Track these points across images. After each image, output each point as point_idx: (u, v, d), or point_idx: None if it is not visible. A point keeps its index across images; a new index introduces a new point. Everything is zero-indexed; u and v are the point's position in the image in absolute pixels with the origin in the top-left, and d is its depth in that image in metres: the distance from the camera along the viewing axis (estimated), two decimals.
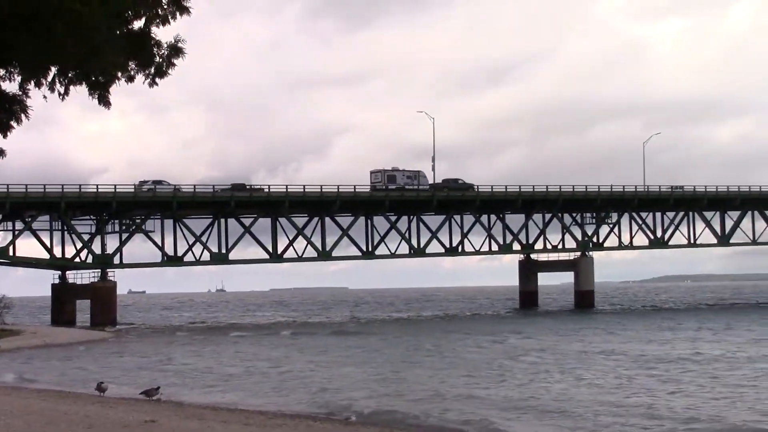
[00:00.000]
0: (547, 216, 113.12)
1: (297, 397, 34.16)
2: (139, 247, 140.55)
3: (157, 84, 13.21)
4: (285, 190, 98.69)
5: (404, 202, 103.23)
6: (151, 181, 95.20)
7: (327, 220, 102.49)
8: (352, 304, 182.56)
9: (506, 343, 59.00)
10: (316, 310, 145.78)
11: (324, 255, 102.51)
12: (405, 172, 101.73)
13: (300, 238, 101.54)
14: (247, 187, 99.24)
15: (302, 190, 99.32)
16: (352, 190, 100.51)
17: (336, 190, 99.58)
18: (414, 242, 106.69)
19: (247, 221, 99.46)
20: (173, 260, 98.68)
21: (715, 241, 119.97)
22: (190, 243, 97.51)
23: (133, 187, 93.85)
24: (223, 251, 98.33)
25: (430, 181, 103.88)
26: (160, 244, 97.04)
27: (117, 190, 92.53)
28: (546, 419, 27.88)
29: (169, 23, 12.98)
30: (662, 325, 77.28)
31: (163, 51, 13.20)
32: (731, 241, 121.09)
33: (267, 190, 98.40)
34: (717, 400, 31.35)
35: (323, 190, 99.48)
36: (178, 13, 12.95)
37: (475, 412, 29.05)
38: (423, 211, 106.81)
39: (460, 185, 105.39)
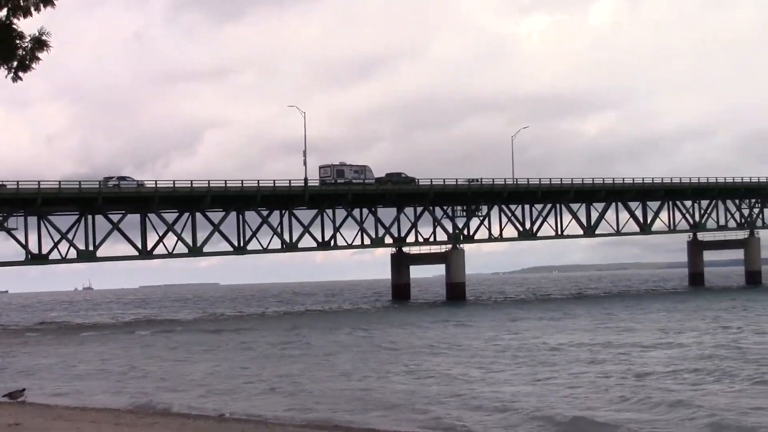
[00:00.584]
0: (419, 209, 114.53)
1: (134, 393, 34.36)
2: (1, 246, 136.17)
3: (21, 78, 12.73)
4: (154, 185, 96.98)
5: (277, 197, 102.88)
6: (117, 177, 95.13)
7: (198, 215, 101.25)
8: (221, 300, 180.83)
9: (354, 335, 60.30)
10: (176, 307, 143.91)
11: (195, 251, 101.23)
12: (353, 167, 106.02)
13: (170, 234, 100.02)
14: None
15: (172, 185, 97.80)
16: (223, 185, 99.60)
17: (207, 185, 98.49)
18: (286, 237, 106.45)
19: (115, 217, 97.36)
20: (37, 258, 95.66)
21: (581, 232, 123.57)
22: (56, 240, 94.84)
23: None
24: (91, 248, 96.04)
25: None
26: (23, 242, 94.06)
27: None
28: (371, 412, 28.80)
29: (32, 15, 12.52)
30: (516, 315, 79.38)
31: (26, 44, 12.72)
32: (596, 231, 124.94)
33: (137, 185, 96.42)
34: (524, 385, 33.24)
35: (193, 185, 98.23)
36: (41, 4, 12.51)
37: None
38: (296, 205, 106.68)
39: (404, 179, 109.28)
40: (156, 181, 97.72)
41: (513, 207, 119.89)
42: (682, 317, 68.17)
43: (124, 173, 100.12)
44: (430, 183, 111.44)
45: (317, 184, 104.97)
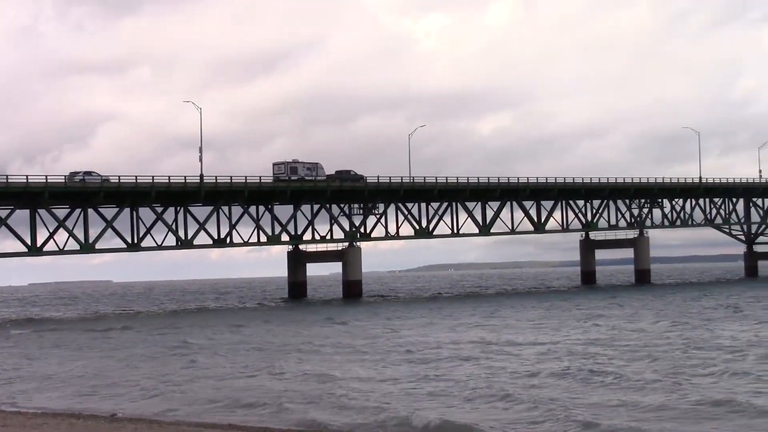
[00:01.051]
0: (316, 207, 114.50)
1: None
2: None
3: None
4: (44, 180, 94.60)
5: (172, 193, 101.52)
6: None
7: (90, 211, 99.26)
8: (111, 298, 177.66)
9: (236, 334, 60.33)
10: (61, 305, 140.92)
11: (86, 248, 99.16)
12: (305, 164, 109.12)
13: (61, 230, 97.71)
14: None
15: (63, 180, 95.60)
16: (117, 180, 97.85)
17: (99, 180, 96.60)
18: (181, 234, 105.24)
19: (3, 213, 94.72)
20: None
21: (476, 230, 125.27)
22: None
23: None
24: None
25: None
26: None
27: None
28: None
29: None
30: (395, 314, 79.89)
31: None
32: (492, 230, 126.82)
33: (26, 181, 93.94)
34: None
35: (86, 180, 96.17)
36: None
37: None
38: (192, 202, 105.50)
39: (353, 176, 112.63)
40: (46, 176, 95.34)
41: (410, 205, 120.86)
42: (561, 315, 69.79)
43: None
44: (258, 181, 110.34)
45: (271, 181, 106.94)
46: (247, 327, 67.21)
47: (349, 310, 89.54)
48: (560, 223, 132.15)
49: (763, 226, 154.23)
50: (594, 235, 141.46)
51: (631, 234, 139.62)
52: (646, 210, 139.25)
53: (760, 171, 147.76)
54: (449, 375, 35.52)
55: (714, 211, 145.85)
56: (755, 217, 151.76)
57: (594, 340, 47.90)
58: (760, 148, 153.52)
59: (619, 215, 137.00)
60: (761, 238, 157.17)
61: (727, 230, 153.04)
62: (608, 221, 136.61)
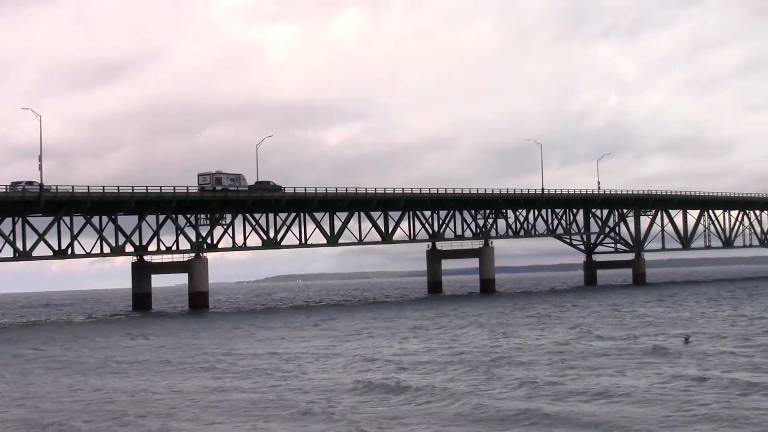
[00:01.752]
0: (161, 217, 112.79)
1: None
2: None
3: None
4: None
5: (9, 203, 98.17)
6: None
7: None
8: None
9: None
10: None
11: None
12: (229, 175, 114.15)
13: None
14: None
15: None
16: None
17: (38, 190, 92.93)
18: (19, 245, 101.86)
19: None
20: None
21: (324, 240, 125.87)
22: None
23: None
24: None
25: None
26: None
27: None
28: None
29: None
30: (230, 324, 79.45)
31: None
32: (340, 240, 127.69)
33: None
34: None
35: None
36: None
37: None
38: (30, 213, 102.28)
39: (272, 186, 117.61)
40: None
41: (257, 216, 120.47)
42: (384, 325, 69.92)
43: None
44: (173, 190, 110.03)
45: (196, 191, 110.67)
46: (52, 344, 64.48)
47: (193, 322, 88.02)
48: (407, 233, 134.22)
49: (601, 236, 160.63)
50: (440, 246, 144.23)
51: (477, 244, 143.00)
52: (490, 221, 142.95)
53: (598, 183, 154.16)
54: (241, 387, 35.61)
55: (555, 222, 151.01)
56: (594, 227, 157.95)
57: (401, 351, 48.21)
58: (599, 160, 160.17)
59: (465, 226, 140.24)
60: (599, 248, 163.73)
61: (568, 240, 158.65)
62: (454, 231, 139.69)
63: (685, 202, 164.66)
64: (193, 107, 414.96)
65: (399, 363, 41.88)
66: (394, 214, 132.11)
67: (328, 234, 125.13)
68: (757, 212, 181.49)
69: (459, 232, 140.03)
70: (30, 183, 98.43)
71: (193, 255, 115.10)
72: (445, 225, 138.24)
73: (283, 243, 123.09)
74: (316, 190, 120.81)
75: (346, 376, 37.58)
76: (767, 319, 60.58)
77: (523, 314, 78.97)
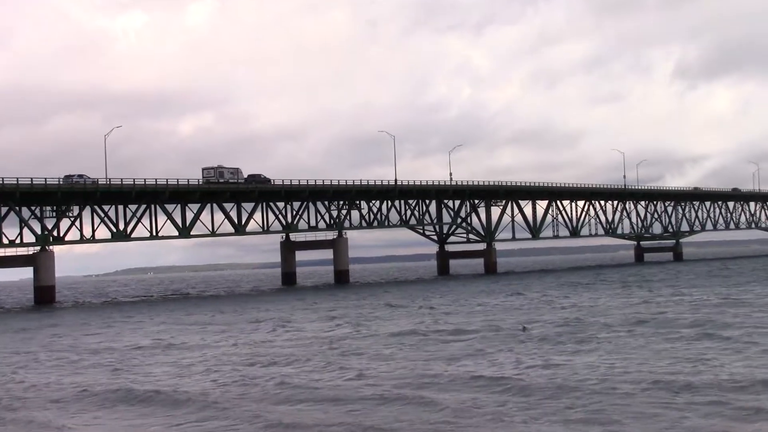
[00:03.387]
0: (4, 209, 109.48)
1: None
2: None
3: None
4: None
5: None
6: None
7: None
8: None
9: None
10: None
11: None
12: (229, 169, 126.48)
13: None
14: None
15: None
16: None
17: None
18: None
19: None
20: None
21: (176, 233, 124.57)
22: None
23: None
24: None
25: None
26: None
27: None
28: None
29: None
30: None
31: None
32: (192, 232, 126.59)
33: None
34: None
35: None
36: None
37: None
38: None
39: (263, 179, 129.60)
40: None
41: (106, 207, 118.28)
42: (224, 320, 68.38)
43: None
44: (16, 182, 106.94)
45: (202, 183, 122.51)
46: None
47: (39, 317, 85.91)
48: (261, 224, 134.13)
49: (454, 227, 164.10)
50: (294, 237, 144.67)
51: (331, 235, 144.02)
52: (344, 212, 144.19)
53: (450, 174, 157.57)
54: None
55: (409, 213, 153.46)
56: (446, 217, 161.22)
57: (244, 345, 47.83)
58: (451, 152, 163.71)
59: (319, 217, 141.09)
60: (452, 238, 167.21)
61: (421, 231, 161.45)
62: (308, 223, 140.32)
63: (534, 193, 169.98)
64: (37, 96, 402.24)
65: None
66: (247, 205, 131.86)
67: (180, 226, 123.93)
68: (602, 202, 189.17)
69: (313, 223, 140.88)
70: (81, 176, 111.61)
71: (38, 248, 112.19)
72: (299, 216, 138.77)
73: (133, 235, 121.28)
74: (167, 181, 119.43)
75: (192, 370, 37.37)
76: (599, 307, 63.32)
77: (374, 302, 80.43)
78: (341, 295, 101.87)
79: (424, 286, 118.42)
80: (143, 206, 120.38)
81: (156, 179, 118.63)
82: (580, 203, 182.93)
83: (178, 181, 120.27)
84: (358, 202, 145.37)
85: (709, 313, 52.69)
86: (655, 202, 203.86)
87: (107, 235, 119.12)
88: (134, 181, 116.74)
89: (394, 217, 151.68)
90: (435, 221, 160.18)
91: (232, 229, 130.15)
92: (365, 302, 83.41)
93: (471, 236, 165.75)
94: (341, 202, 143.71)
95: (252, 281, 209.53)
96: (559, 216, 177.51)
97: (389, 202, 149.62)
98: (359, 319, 61.33)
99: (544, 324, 50.02)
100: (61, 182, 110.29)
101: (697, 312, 53.57)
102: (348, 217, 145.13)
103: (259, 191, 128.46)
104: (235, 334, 54.00)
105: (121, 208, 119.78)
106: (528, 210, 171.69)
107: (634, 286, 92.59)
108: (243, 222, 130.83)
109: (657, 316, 52.10)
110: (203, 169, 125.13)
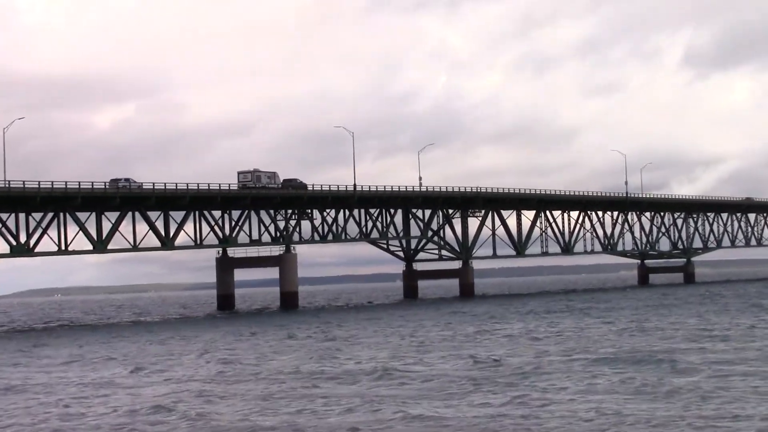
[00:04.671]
0: None
1: None
2: None
3: None
4: None
5: None
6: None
7: None
8: None
9: None
10: None
11: None
12: (266, 173, 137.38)
13: None
14: None
15: None
16: None
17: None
18: None
19: None
20: None
21: (90, 246, 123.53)
22: None
23: None
24: None
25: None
26: None
27: None
28: None
29: None
30: None
31: None
32: (109, 246, 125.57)
33: None
34: None
35: None
36: None
37: None
38: None
39: (298, 184, 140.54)
40: None
41: (4, 216, 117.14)
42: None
43: None
44: None
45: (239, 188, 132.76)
46: None
47: None
48: (193, 238, 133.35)
49: (424, 241, 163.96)
50: (233, 252, 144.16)
51: (277, 250, 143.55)
52: (293, 222, 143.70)
53: (420, 178, 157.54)
54: None
55: (371, 224, 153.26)
56: (415, 230, 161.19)
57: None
58: (421, 152, 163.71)
59: (263, 228, 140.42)
60: (421, 255, 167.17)
61: (385, 245, 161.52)
62: (250, 236, 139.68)
63: (519, 201, 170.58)
64: None
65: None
66: (177, 215, 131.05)
67: (95, 238, 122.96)
68: (600, 213, 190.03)
69: (255, 236, 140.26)
70: (128, 180, 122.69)
71: None
72: (239, 227, 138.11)
73: (37, 249, 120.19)
74: (80, 184, 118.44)
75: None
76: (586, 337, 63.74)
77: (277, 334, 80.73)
78: (272, 323, 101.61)
79: (384, 312, 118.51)
80: (50, 214, 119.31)
81: (66, 182, 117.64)
82: (574, 214, 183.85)
83: (93, 185, 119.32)
84: (310, 210, 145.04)
85: None
86: (662, 214, 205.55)
87: (5, 249, 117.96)
88: (39, 184, 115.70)
89: (352, 229, 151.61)
90: (401, 234, 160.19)
91: (158, 243, 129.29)
92: (269, 336, 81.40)
93: (444, 253, 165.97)
94: (290, 211, 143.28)
95: (179, 305, 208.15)
96: (549, 229, 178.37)
97: (347, 211, 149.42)
98: (243, 356, 60.46)
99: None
100: None
101: None
102: (298, 229, 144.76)
103: (191, 197, 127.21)
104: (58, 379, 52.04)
105: (22, 216, 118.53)
106: (512, 222, 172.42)
107: (655, 314, 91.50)
108: (171, 234, 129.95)
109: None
110: (239, 173, 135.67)
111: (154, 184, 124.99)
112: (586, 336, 65.92)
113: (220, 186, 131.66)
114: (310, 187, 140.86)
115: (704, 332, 65.05)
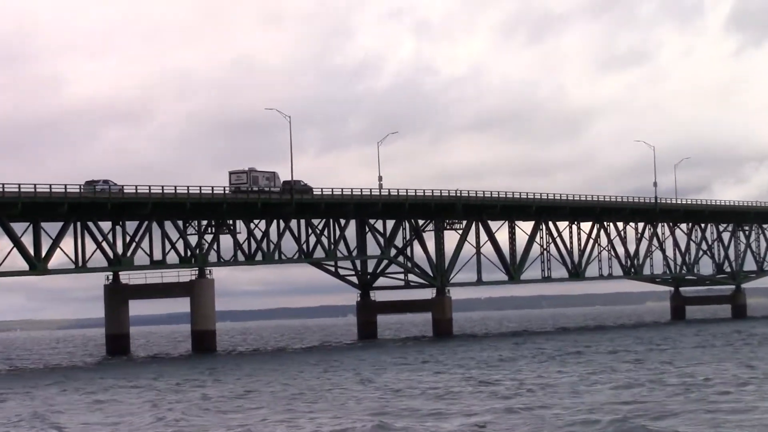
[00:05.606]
0: None
1: None
2: None
3: None
4: None
5: None
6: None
7: None
8: None
9: None
10: None
11: None
12: (264, 173, 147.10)
13: None
14: None
15: None
16: None
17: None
18: None
19: None
20: None
21: None
22: None
23: None
24: None
25: None
26: None
27: None
28: None
29: None
30: None
31: None
32: None
33: None
34: None
35: None
36: None
37: None
38: None
39: (302, 187, 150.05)
40: None
41: None
42: None
43: None
44: None
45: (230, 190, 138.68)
46: None
47: None
48: (73, 258, 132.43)
49: (385, 262, 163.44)
50: (128, 278, 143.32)
51: (187, 275, 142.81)
52: (209, 237, 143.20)
53: (380, 178, 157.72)
54: None
55: (313, 240, 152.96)
56: (373, 247, 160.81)
57: None
58: (381, 142, 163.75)
59: (168, 245, 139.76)
60: (382, 281, 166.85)
61: (333, 268, 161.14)
62: (150, 255, 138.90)
63: (511, 209, 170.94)
64: None
65: None
66: (51, 227, 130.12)
67: None
68: (620, 225, 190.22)
69: (158, 255, 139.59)
70: (106, 182, 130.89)
71: None
72: (135, 244, 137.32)
73: None
74: None
75: None
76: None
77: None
78: (174, 373, 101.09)
79: (337, 357, 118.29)
80: None
81: None
82: (586, 226, 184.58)
83: None
84: (231, 222, 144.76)
85: None
86: (702, 226, 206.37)
87: None
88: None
89: (289, 246, 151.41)
90: (355, 253, 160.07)
91: (25, 266, 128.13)
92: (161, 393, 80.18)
93: (412, 277, 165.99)
94: (204, 223, 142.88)
95: (47, 353, 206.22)
96: (552, 246, 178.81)
97: (281, 223, 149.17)
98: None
99: None
100: None
101: None
102: (214, 246, 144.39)
103: (69, 203, 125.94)
104: None
105: None
106: (503, 236, 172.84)
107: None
108: (44, 254, 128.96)
109: None
110: (231, 173, 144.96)
111: (20, 185, 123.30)
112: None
113: (110, 188, 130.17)
114: (229, 191, 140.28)
115: None
